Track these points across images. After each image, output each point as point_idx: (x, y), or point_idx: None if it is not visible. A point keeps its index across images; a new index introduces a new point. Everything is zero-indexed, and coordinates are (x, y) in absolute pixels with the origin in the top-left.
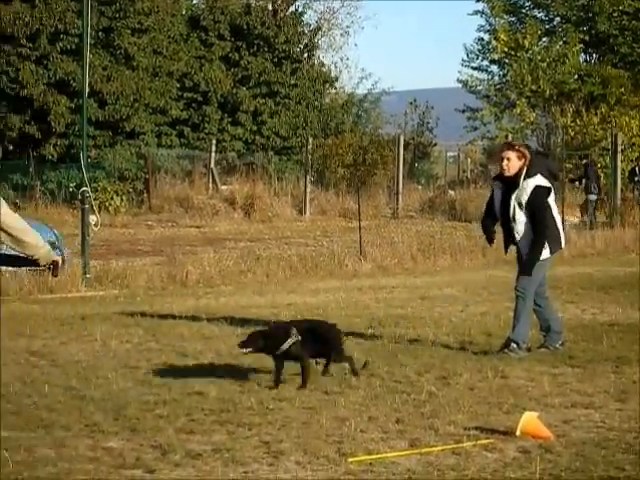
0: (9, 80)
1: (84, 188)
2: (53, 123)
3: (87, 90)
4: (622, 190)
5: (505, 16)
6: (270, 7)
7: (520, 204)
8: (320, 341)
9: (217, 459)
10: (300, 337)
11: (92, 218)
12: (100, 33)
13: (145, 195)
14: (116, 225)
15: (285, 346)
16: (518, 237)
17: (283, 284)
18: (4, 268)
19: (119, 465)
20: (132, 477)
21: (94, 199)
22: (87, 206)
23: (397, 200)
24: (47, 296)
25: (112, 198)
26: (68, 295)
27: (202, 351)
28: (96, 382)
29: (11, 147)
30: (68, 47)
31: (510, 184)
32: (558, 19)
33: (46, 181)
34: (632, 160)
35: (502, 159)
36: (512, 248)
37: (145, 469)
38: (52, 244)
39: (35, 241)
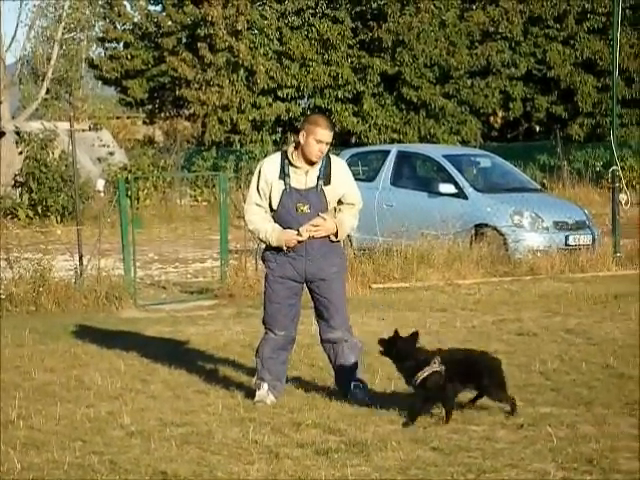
0: (536, 61)
1: (614, 167)
2: (580, 103)
3: (616, 68)
4: None
5: None
6: None
7: None
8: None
9: None
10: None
11: (622, 197)
12: (628, 11)
13: None
14: None
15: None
16: None
17: None
18: None
19: None
20: None
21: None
22: (617, 185)
23: None
24: (578, 275)
25: None
26: (599, 274)
27: None
28: (633, 361)
29: (537, 128)
30: (595, 26)
31: None
32: None
33: (573, 161)
34: None
35: None
36: None
37: None
38: (582, 224)
39: None
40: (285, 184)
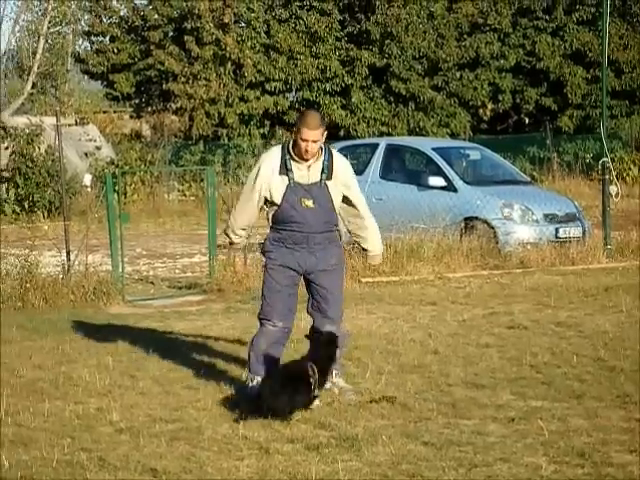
0: (525, 53)
1: (604, 159)
2: (569, 95)
3: (606, 60)
4: None
5: None
6: None
7: None
8: None
9: None
10: None
11: (612, 188)
12: (617, 1)
13: None
14: (634, 195)
15: None
16: None
17: None
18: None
19: None
20: None
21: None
22: (607, 177)
23: None
24: (568, 267)
25: (630, 168)
26: (589, 266)
27: None
28: (624, 354)
29: (527, 120)
30: (584, 17)
31: None
32: None
33: (562, 153)
34: None
35: None
36: None
37: None
38: (572, 216)
39: None
40: (289, 179)
